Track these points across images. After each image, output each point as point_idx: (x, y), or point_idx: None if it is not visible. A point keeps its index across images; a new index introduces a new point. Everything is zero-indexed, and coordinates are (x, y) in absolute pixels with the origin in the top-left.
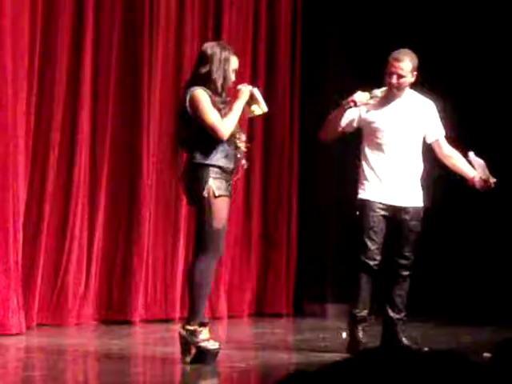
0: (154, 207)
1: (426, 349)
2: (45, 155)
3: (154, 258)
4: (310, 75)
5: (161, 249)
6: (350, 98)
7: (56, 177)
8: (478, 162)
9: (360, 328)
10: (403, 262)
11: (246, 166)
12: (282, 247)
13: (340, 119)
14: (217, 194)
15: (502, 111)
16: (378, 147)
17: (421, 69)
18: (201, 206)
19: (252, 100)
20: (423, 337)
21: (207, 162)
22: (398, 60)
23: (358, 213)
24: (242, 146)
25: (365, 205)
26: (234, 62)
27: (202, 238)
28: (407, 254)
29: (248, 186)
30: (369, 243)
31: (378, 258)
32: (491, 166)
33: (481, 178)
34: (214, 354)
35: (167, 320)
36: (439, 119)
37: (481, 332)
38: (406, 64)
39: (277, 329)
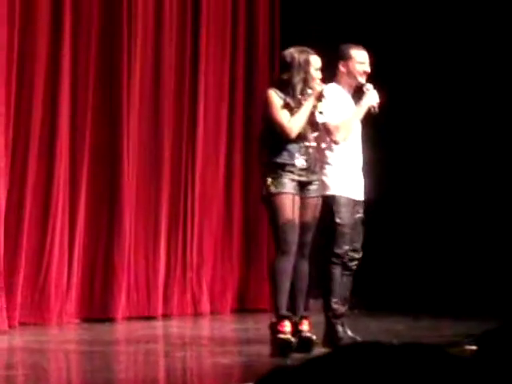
0: (135, 205)
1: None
2: (24, 155)
3: (135, 255)
4: None
5: (142, 247)
6: (374, 102)
7: (36, 176)
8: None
9: (338, 322)
10: (356, 255)
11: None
12: (263, 243)
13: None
14: (273, 192)
15: (440, 106)
16: (343, 142)
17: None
18: (264, 204)
19: (319, 99)
20: (405, 330)
21: (267, 160)
22: (366, 51)
23: (330, 208)
24: (310, 143)
25: (337, 200)
26: (315, 62)
27: (272, 234)
28: (359, 247)
29: (229, 182)
30: (345, 237)
31: (350, 252)
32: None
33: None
34: (289, 345)
35: (149, 317)
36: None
37: (462, 325)
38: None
39: (259, 324)
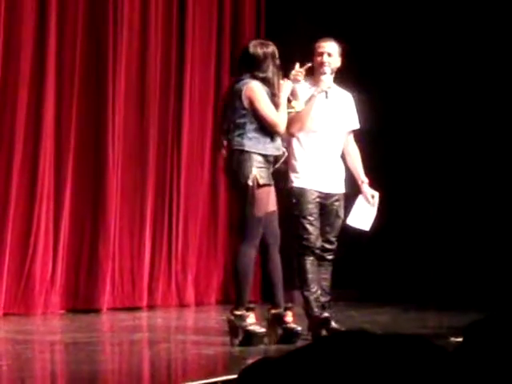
0: (120, 196)
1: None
2: (10, 146)
3: (120, 246)
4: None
5: (127, 238)
6: (323, 86)
7: (21, 167)
8: (362, 205)
9: (314, 306)
10: (330, 246)
11: (286, 154)
12: None
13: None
14: (261, 183)
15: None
16: (311, 134)
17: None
18: (244, 194)
19: (292, 96)
20: (391, 322)
21: (252, 150)
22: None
23: (294, 200)
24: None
25: (302, 192)
26: (277, 53)
27: (243, 225)
28: (333, 239)
29: (214, 173)
30: (310, 229)
31: (318, 243)
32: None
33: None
34: (260, 336)
35: (134, 308)
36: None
37: (448, 317)
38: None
39: None
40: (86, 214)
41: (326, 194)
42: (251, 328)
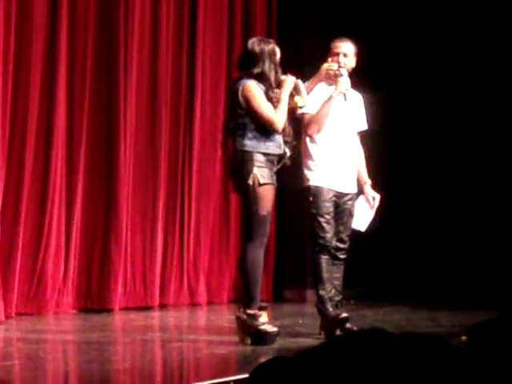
0: (132, 196)
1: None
2: (21, 147)
3: (132, 246)
4: (287, 61)
5: (139, 237)
6: (344, 90)
7: (33, 166)
8: (362, 205)
9: (329, 305)
10: (343, 245)
11: (288, 154)
12: None
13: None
14: (261, 182)
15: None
16: (327, 134)
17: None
18: (245, 194)
19: (296, 91)
20: (404, 321)
21: (253, 149)
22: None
23: (311, 199)
24: (288, 138)
25: (319, 191)
26: (278, 52)
27: (248, 225)
28: (346, 238)
29: (226, 173)
30: (327, 227)
31: (333, 242)
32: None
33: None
34: (273, 336)
35: (146, 308)
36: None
37: (461, 315)
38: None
39: None
40: (97, 214)
41: (341, 193)
42: (263, 327)
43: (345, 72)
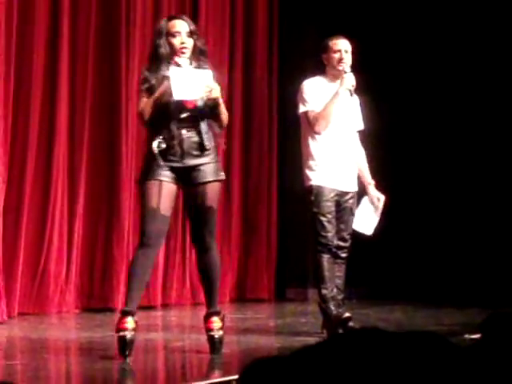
0: (134, 196)
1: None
2: (24, 145)
3: (134, 245)
4: (289, 60)
5: None
6: (350, 86)
7: (35, 167)
8: (366, 207)
9: (331, 305)
10: (344, 244)
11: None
12: (262, 232)
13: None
14: (140, 179)
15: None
16: (328, 133)
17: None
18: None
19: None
20: (406, 319)
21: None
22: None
23: (312, 198)
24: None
25: (320, 190)
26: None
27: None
28: (347, 236)
29: (228, 171)
30: (328, 226)
31: (335, 241)
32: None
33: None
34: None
35: (149, 307)
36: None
37: (462, 314)
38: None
39: (258, 314)
40: (100, 213)
41: (342, 191)
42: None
43: (348, 68)
